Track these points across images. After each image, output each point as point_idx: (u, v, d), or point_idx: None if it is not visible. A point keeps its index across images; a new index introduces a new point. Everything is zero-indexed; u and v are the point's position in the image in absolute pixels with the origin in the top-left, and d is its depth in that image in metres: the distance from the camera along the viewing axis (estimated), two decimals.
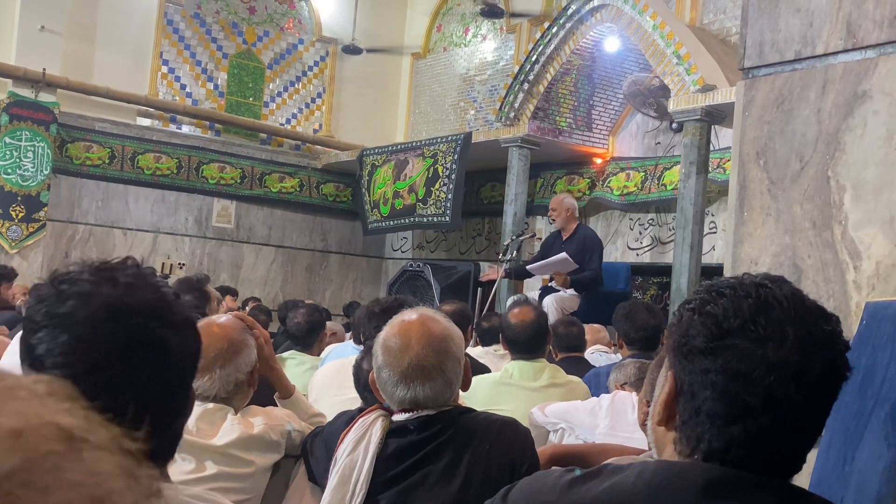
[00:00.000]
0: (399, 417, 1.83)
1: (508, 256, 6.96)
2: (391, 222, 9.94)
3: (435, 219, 9.33)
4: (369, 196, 10.10)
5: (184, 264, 10.21)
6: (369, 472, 1.79)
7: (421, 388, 1.77)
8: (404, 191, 9.64)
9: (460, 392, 1.93)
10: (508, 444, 1.82)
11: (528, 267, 6.61)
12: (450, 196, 9.09)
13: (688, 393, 1.01)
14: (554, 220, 6.69)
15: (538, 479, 1.13)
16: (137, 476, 0.34)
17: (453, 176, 9.08)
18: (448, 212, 9.11)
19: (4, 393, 0.35)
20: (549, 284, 6.60)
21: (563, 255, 6.30)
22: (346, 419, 2.00)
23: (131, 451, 0.35)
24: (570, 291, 6.33)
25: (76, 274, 0.96)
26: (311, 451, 2.10)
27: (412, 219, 9.61)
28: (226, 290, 7.62)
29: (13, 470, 0.31)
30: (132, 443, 0.36)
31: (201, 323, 2.04)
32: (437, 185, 9.23)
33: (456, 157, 9.08)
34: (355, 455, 1.82)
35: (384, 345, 1.81)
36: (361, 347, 3.15)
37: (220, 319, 2.07)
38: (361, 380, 2.25)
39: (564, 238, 6.59)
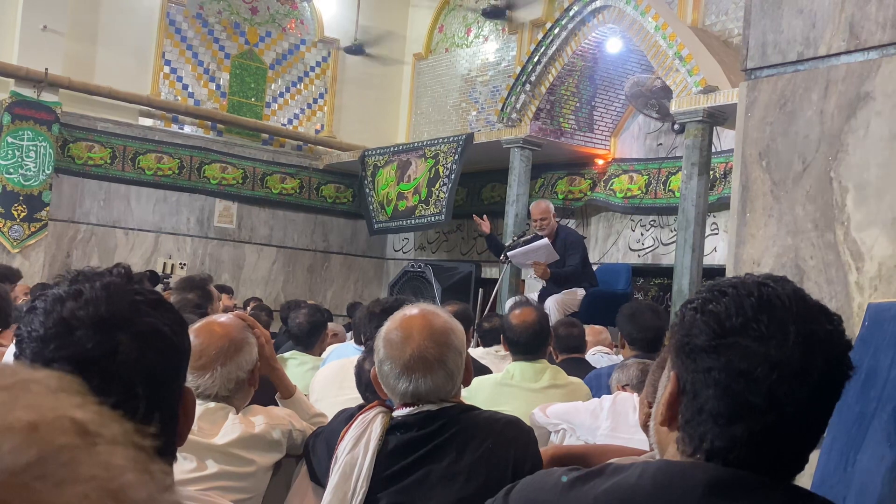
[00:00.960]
0: (400, 413, 1.82)
1: (509, 259, 6.94)
2: (394, 223, 9.95)
3: (433, 218, 9.34)
4: (375, 196, 10.10)
5: (185, 264, 10.21)
6: (370, 469, 1.78)
7: (423, 379, 1.77)
8: (409, 192, 9.64)
9: (462, 391, 1.93)
10: (511, 442, 1.80)
11: (508, 254, 6.43)
12: (447, 195, 9.10)
13: (690, 392, 1.01)
14: (543, 228, 6.51)
15: (539, 479, 1.12)
16: (151, 471, 0.35)
17: (453, 176, 9.08)
18: (444, 210, 9.12)
19: (18, 387, 0.35)
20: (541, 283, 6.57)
21: (545, 241, 6.27)
22: (346, 417, 2.00)
23: (143, 447, 0.36)
24: (577, 289, 6.32)
25: (54, 287, 0.98)
26: (314, 451, 2.10)
27: (413, 220, 9.61)
28: (221, 289, 7.59)
29: (29, 463, 0.32)
30: (143, 439, 0.36)
31: (203, 322, 2.05)
32: (437, 185, 9.24)
33: (457, 157, 9.08)
34: (356, 452, 1.81)
35: (386, 338, 1.81)
36: (362, 348, 3.16)
37: (221, 318, 2.08)
38: (363, 380, 2.25)
39: (549, 242, 6.56)
